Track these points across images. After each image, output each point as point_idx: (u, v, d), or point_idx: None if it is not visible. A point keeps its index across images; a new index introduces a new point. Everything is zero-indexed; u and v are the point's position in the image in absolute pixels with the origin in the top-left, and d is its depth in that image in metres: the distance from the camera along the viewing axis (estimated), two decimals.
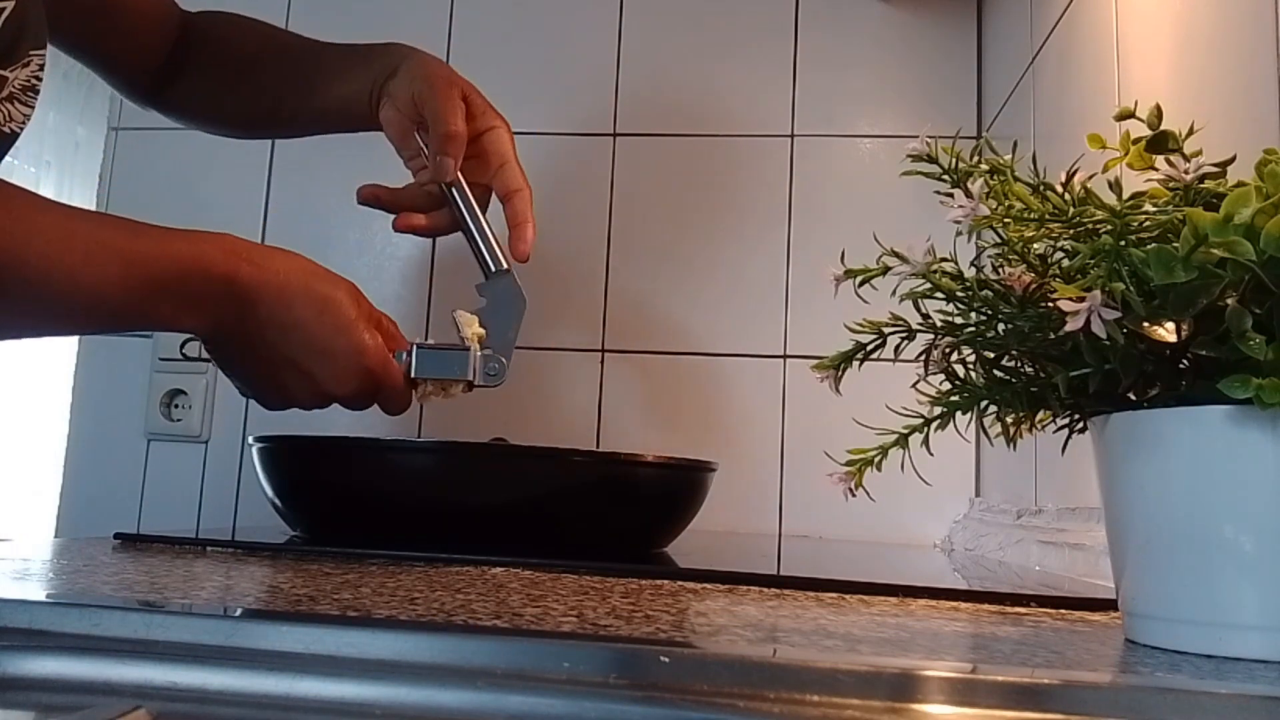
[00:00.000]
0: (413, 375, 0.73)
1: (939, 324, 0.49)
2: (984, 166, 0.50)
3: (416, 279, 1.36)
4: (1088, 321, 0.40)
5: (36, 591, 0.46)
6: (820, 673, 0.35)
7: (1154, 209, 0.44)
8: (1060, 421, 0.49)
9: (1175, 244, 0.39)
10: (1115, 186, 0.45)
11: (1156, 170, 0.46)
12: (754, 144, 1.32)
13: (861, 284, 0.51)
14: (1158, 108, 0.47)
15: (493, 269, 0.79)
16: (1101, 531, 0.48)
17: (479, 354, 0.75)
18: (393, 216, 0.82)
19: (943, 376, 0.49)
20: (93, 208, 1.33)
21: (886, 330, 0.51)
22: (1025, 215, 0.46)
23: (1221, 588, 0.40)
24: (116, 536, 0.73)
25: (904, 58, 1.31)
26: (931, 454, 0.49)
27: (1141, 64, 0.76)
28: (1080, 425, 0.49)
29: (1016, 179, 0.48)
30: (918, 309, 0.49)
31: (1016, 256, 0.47)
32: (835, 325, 0.53)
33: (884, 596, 0.60)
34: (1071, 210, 0.46)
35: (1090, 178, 0.47)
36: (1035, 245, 0.47)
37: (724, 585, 0.63)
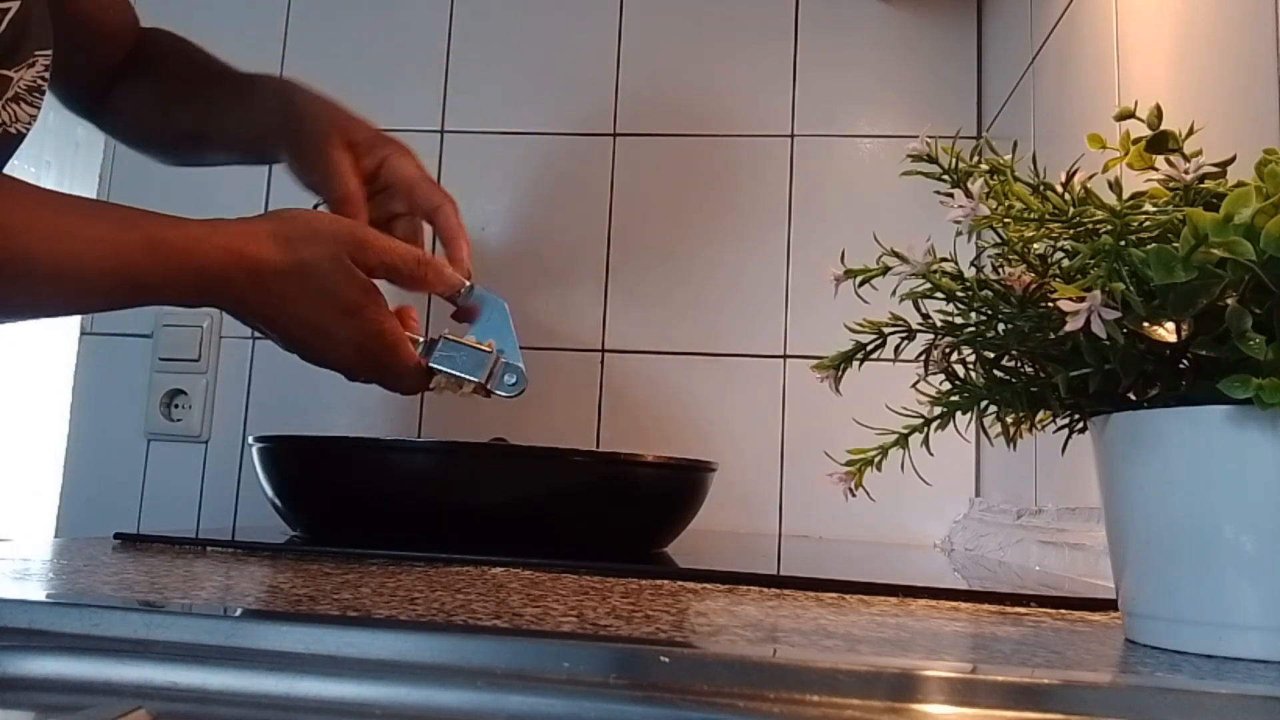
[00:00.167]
0: (431, 364, 0.75)
1: (939, 324, 0.49)
2: (984, 166, 0.50)
3: None
4: (1088, 321, 0.40)
5: (36, 591, 0.46)
6: (820, 673, 0.35)
7: (1154, 209, 0.44)
8: (1060, 421, 0.49)
9: (1175, 244, 0.39)
10: (1115, 186, 0.45)
11: (1156, 170, 0.46)
12: (754, 144, 1.32)
13: (861, 284, 0.51)
14: (1158, 108, 0.47)
15: (459, 292, 0.78)
16: (1101, 531, 0.48)
17: (498, 361, 0.75)
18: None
19: (943, 376, 0.49)
20: None
21: (886, 330, 0.51)
22: (1025, 215, 0.46)
23: (1222, 588, 0.40)
24: (116, 536, 0.73)
25: (904, 58, 1.31)
26: (931, 454, 0.49)
27: (1141, 64, 0.76)
28: (1080, 425, 0.49)
29: (1016, 179, 0.48)
30: (918, 309, 0.49)
31: (1016, 256, 0.47)
32: (835, 325, 0.53)
33: (884, 596, 0.60)
34: (1071, 210, 0.46)
35: (1090, 178, 0.47)
36: (1035, 245, 0.47)
37: (724, 585, 0.63)
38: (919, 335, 0.50)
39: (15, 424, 1.42)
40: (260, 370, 1.32)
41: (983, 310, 0.47)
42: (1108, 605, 0.56)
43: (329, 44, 1.40)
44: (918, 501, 1.18)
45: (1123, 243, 0.42)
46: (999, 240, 0.48)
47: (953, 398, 0.49)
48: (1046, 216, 0.46)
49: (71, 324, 1.39)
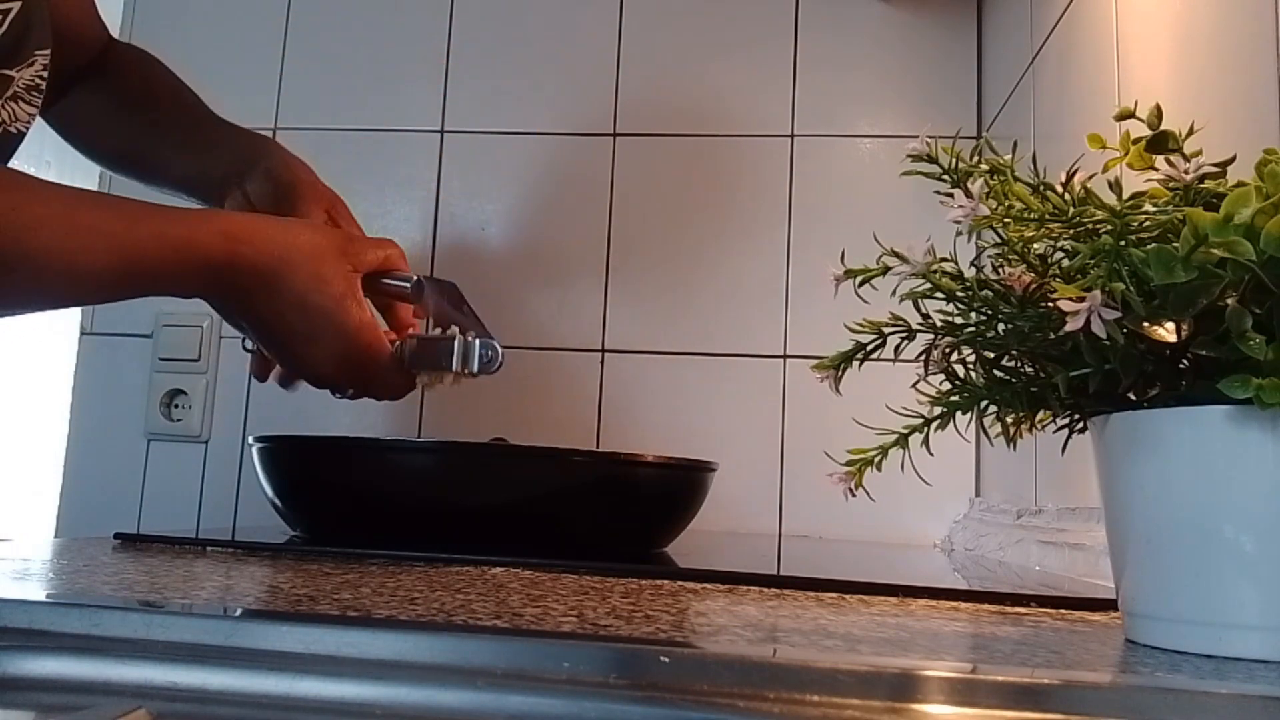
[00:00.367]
0: (406, 366, 0.74)
1: (939, 324, 0.49)
2: (984, 166, 0.50)
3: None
4: (1088, 321, 0.40)
5: (36, 591, 0.46)
6: (820, 673, 0.35)
7: (1154, 209, 0.44)
8: (1060, 421, 0.49)
9: (1175, 244, 0.39)
10: (1115, 186, 0.45)
11: (1156, 170, 0.46)
12: (754, 144, 1.32)
13: (861, 284, 0.51)
14: (1158, 108, 0.47)
15: (407, 289, 0.77)
16: (1101, 531, 0.48)
17: (465, 341, 0.74)
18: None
19: (943, 376, 0.49)
20: None
21: (886, 330, 0.51)
22: (1025, 215, 0.46)
23: (1221, 588, 0.40)
24: (116, 536, 0.73)
25: (904, 58, 1.31)
26: (931, 454, 0.49)
27: (1141, 64, 0.76)
28: (1080, 425, 0.49)
29: (1016, 179, 0.48)
30: (918, 309, 0.49)
31: (1016, 256, 0.47)
32: (835, 325, 0.53)
33: (884, 596, 0.60)
34: (1071, 210, 0.46)
35: (1090, 178, 0.47)
36: (1035, 245, 0.47)
37: (724, 585, 0.63)
38: (919, 335, 0.50)
39: (15, 424, 1.42)
40: None
41: (983, 310, 0.47)
42: (1108, 605, 0.56)
43: (329, 44, 1.40)
44: (918, 501, 1.18)
45: (1123, 243, 0.42)
46: (999, 240, 0.48)
47: (953, 398, 0.49)
48: (1046, 216, 0.46)
49: (72, 324, 1.39)
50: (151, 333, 1.36)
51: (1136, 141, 0.47)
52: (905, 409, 0.49)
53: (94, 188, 1.40)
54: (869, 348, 0.51)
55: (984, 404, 0.49)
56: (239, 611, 0.44)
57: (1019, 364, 0.48)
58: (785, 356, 1.27)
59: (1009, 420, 0.49)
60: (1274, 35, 0.56)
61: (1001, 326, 0.47)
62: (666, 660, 0.36)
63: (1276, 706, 0.33)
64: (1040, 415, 0.49)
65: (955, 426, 0.50)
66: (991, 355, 0.48)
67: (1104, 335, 0.40)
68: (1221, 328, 0.39)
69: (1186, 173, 0.44)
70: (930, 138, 0.51)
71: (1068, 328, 0.41)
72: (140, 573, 0.54)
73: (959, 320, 0.48)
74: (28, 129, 0.70)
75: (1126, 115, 0.47)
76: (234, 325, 0.72)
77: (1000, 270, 0.48)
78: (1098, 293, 0.40)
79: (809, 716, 0.34)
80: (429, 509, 0.75)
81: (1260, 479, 0.39)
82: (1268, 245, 0.37)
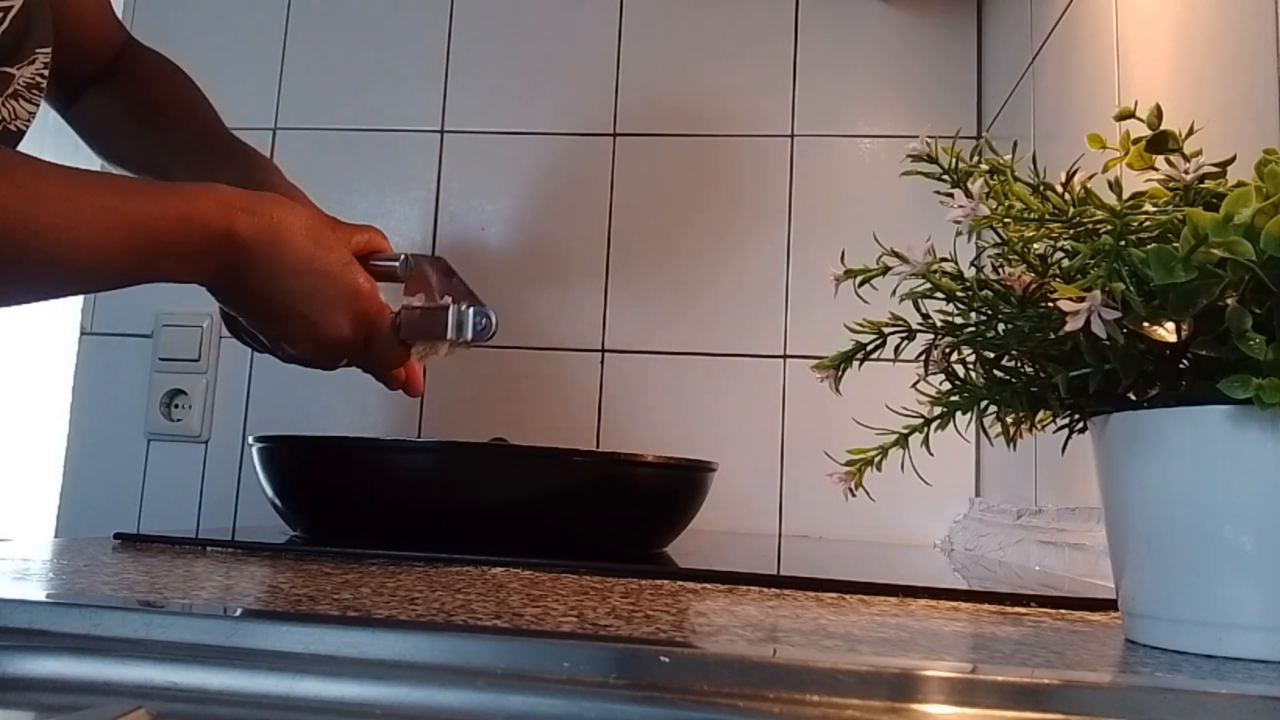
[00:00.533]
0: (400, 337, 0.73)
1: (939, 324, 0.49)
2: (984, 166, 0.50)
3: None
4: (1088, 321, 0.40)
5: (36, 591, 0.46)
6: (820, 673, 0.35)
7: (1154, 209, 0.44)
8: (1060, 421, 0.49)
9: (1175, 244, 0.39)
10: (1115, 186, 0.45)
11: (1156, 170, 0.46)
12: (754, 144, 1.32)
13: (861, 284, 0.51)
14: (1158, 108, 0.47)
15: (396, 266, 0.76)
16: (1101, 531, 0.48)
17: (459, 310, 0.74)
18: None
19: (943, 376, 0.49)
20: None
21: (886, 330, 0.51)
22: (1025, 215, 0.46)
23: (1221, 588, 0.40)
24: (116, 536, 0.73)
25: (904, 58, 1.31)
26: (931, 454, 0.49)
27: (1141, 64, 0.76)
28: (1080, 425, 0.49)
29: (1016, 179, 0.48)
30: (918, 309, 0.49)
31: (1016, 256, 0.47)
32: (835, 325, 0.53)
33: (884, 596, 0.60)
34: (1071, 210, 0.46)
35: (1090, 178, 0.47)
36: (1035, 245, 0.47)
37: (724, 585, 0.63)
38: (919, 335, 0.50)
39: (15, 424, 1.42)
40: (260, 370, 1.32)
41: (983, 310, 0.47)
42: (1108, 605, 0.56)
43: (329, 44, 1.40)
44: (918, 501, 1.18)
45: (1123, 243, 0.42)
46: (999, 240, 0.48)
47: (953, 398, 0.49)
48: (1046, 216, 0.46)
49: (72, 324, 1.39)
50: (151, 333, 1.36)
51: (1136, 141, 0.47)
52: (905, 409, 0.49)
53: None
54: (869, 348, 0.51)
55: (984, 404, 0.49)
56: (239, 611, 0.44)
57: (1019, 364, 0.48)
58: (785, 356, 1.27)
59: (1009, 420, 0.49)
60: (1274, 35, 0.56)
61: (1001, 326, 0.47)
62: (666, 660, 0.36)
63: (1276, 706, 0.33)
64: (1040, 415, 0.49)
65: (955, 426, 0.50)
66: (991, 355, 0.48)
67: (1104, 335, 0.40)
68: (1221, 328, 0.39)
69: (1186, 173, 0.44)
70: (930, 138, 0.51)
71: (1068, 328, 0.41)
72: (140, 573, 0.54)
73: (959, 320, 0.48)
74: (28, 126, 0.70)
75: (1126, 115, 0.47)
76: (235, 309, 0.71)
77: (1000, 270, 0.48)
78: (1098, 293, 0.40)
79: (809, 716, 0.34)
80: (429, 509, 0.75)
81: (1260, 479, 0.39)
82: (1268, 245, 0.37)
